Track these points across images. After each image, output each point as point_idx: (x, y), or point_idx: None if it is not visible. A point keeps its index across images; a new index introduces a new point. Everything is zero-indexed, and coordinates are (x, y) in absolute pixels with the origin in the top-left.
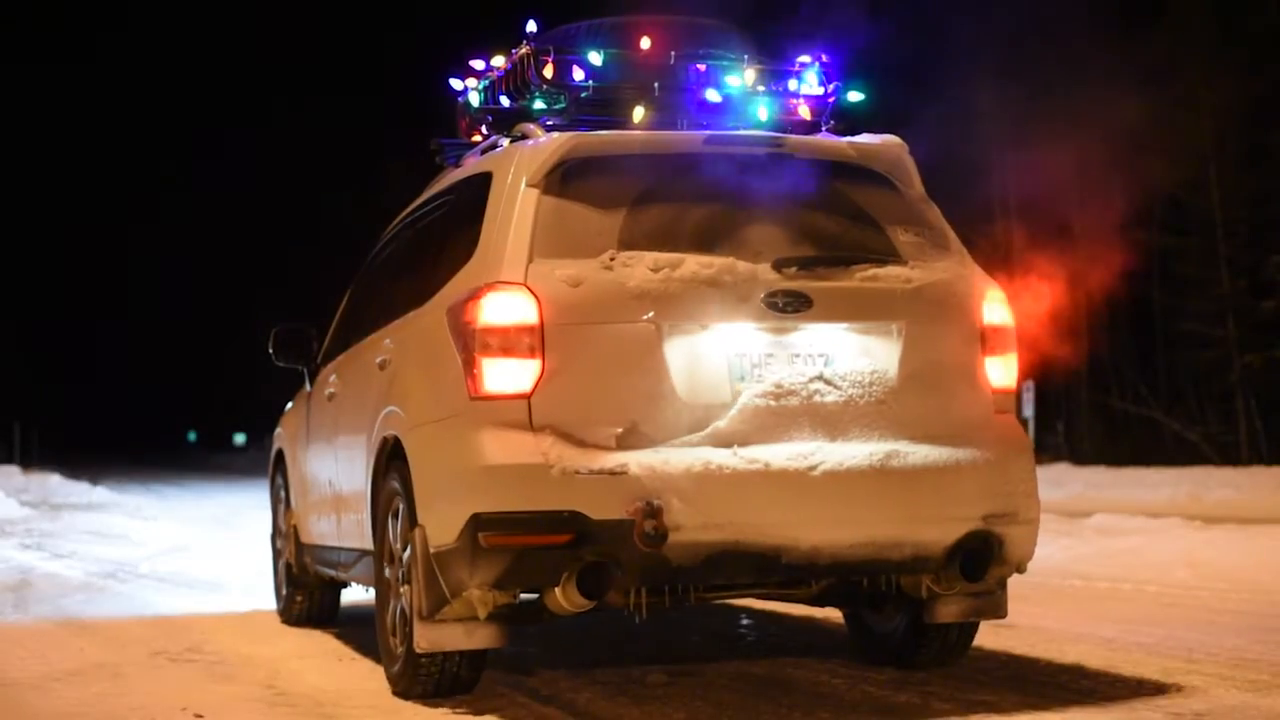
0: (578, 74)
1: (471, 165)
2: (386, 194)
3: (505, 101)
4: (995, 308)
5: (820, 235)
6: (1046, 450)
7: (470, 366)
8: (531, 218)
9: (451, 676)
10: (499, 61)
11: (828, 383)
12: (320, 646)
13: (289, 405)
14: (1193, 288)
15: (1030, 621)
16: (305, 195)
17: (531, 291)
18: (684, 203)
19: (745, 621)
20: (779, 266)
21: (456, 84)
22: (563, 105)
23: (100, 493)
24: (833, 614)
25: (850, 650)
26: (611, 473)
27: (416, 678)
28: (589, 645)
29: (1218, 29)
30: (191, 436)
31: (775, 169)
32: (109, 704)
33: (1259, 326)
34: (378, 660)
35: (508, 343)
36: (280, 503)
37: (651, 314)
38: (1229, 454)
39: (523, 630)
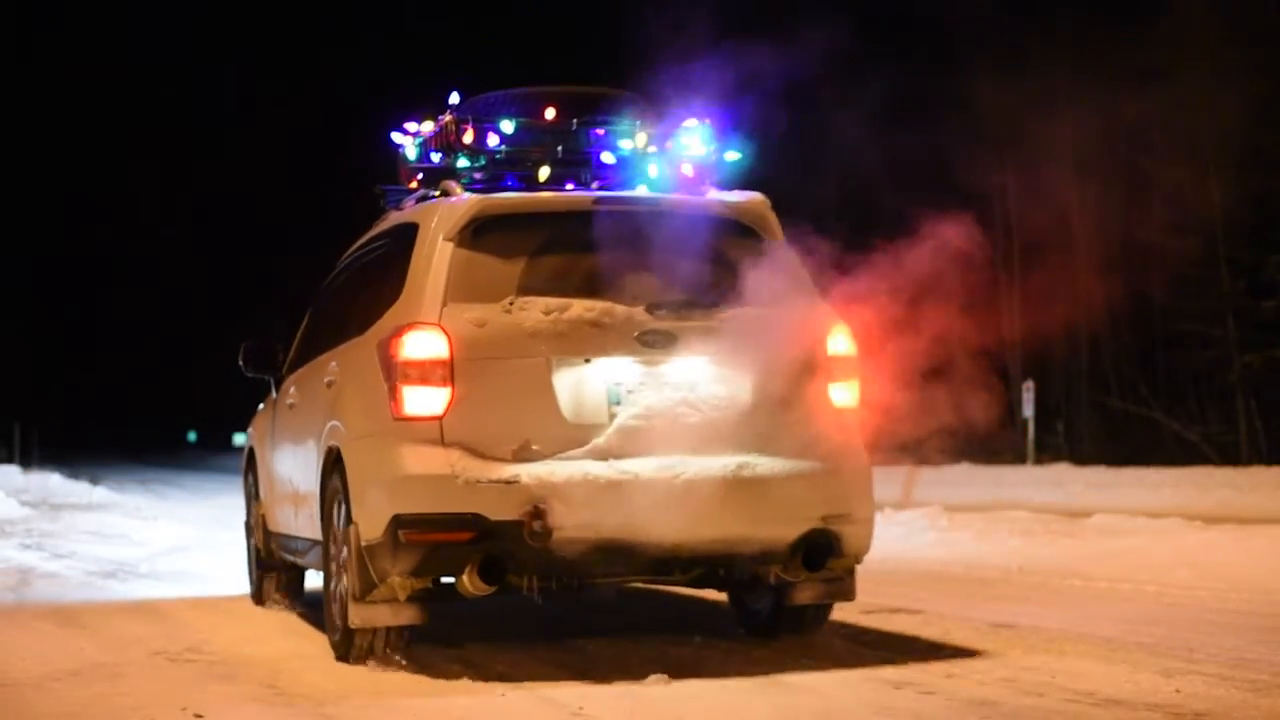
0: (493, 139)
1: (404, 214)
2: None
3: (435, 157)
4: (839, 341)
5: (690, 281)
6: (1046, 450)
7: (394, 393)
8: (446, 268)
9: (380, 646)
10: (428, 126)
11: (691, 406)
12: (320, 646)
13: (260, 408)
14: (1193, 288)
15: (1030, 621)
16: (305, 194)
17: (444, 331)
18: (574, 254)
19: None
20: (651, 309)
21: (397, 137)
22: (482, 164)
23: (100, 493)
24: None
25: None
26: (506, 482)
27: (352, 646)
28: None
29: (1218, 29)
30: (191, 436)
31: (654, 224)
32: (109, 704)
33: (1259, 326)
34: (377, 660)
35: (424, 374)
36: (251, 496)
37: (543, 350)
38: (1229, 454)
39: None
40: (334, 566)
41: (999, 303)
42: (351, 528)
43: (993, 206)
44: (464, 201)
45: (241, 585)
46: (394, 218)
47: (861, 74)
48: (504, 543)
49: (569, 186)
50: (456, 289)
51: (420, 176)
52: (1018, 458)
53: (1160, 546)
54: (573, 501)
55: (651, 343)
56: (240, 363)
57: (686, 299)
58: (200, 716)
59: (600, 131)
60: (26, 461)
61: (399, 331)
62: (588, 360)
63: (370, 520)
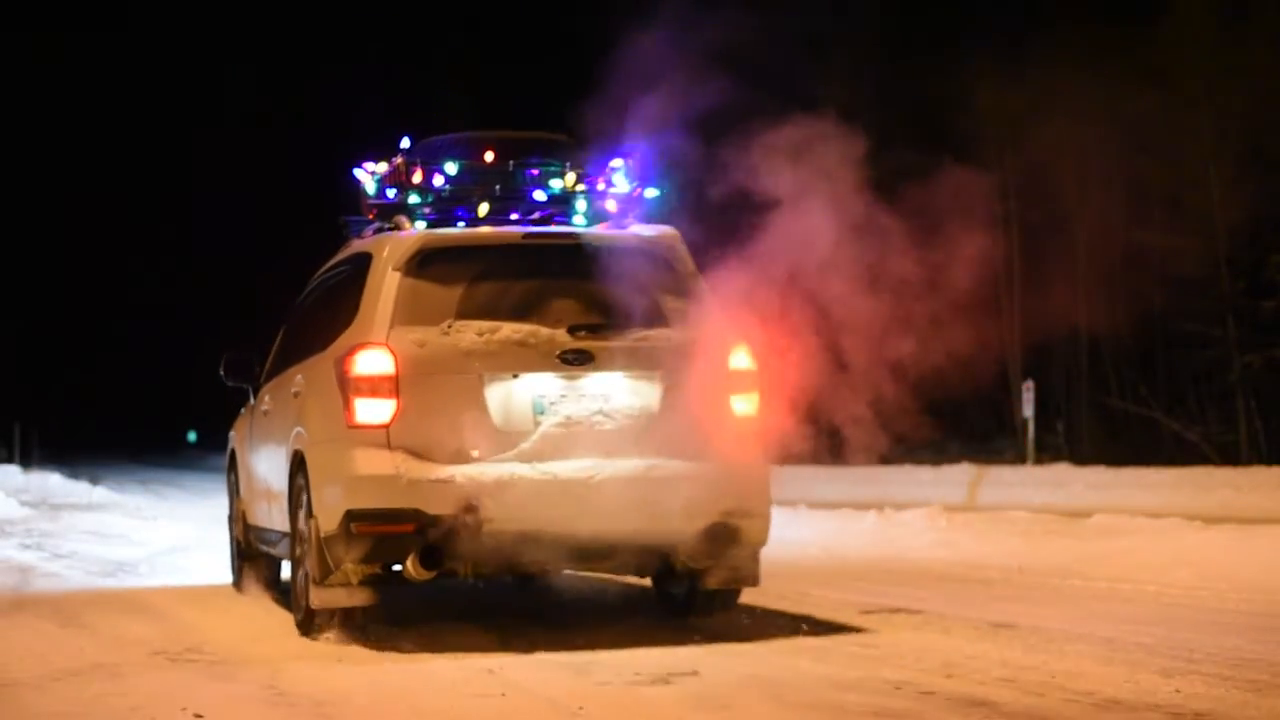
0: (439, 179)
1: (362, 244)
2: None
3: (390, 193)
4: (740, 357)
5: (607, 306)
6: (1046, 450)
7: (347, 404)
8: (394, 294)
9: (338, 624)
10: (383, 166)
11: (606, 415)
12: (320, 647)
13: (241, 412)
14: (1193, 288)
15: (1030, 621)
16: (305, 195)
17: (391, 351)
18: (505, 282)
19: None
20: (572, 331)
21: (358, 173)
22: (430, 200)
23: (100, 493)
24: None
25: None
26: (443, 481)
27: (313, 624)
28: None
29: (1218, 29)
30: (191, 437)
31: (576, 256)
32: (109, 704)
33: (1259, 326)
34: (375, 661)
35: (373, 387)
36: (233, 492)
37: (476, 367)
38: (1229, 454)
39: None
40: (299, 555)
41: (997, 304)
42: (312, 521)
43: (991, 206)
44: (411, 236)
45: (247, 591)
46: (354, 246)
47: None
48: (441, 534)
49: (514, 217)
50: (402, 313)
51: (376, 210)
52: (1018, 458)
53: (1160, 546)
54: (501, 498)
55: (571, 360)
56: (221, 373)
57: (603, 322)
58: (200, 716)
59: (534, 172)
60: (26, 461)
61: (352, 350)
62: (515, 376)
63: (327, 514)
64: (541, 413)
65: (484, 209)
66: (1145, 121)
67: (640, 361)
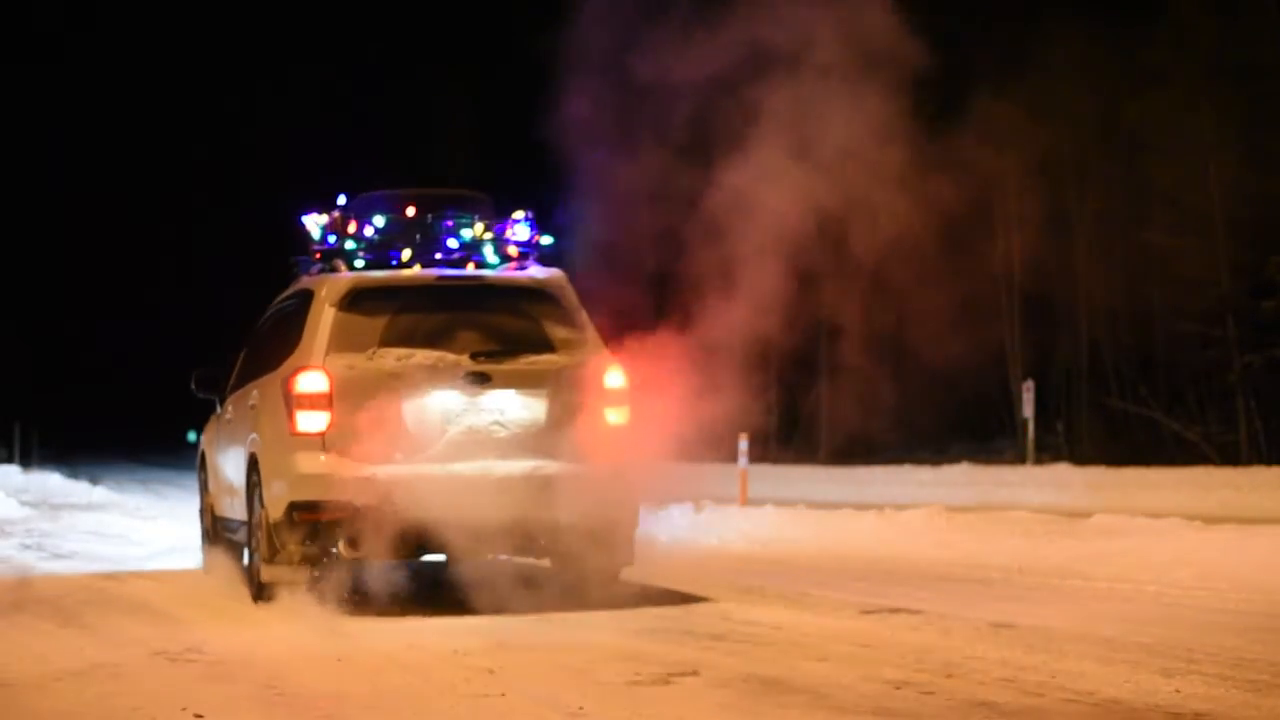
0: (369, 230)
1: (308, 281)
2: None
3: (332, 239)
4: (613, 377)
5: (505, 336)
6: (1046, 450)
7: (291, 416)
8: (330, 326)
9: (283, 595)
10: (323, 219)
11: (501, 425)
12: (319, 647)
13: (210, 420)
14: (1193, 288)
15: (1030, 621)
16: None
17: (327, 373)
18: (420, 316)
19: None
20: (474, 357)
21: (306, 220)
22: (363, 246)
23: (100, 493)
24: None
25: None
26: (367, 478)
27: (263, 594)
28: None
29: (1217, 29)
30: (191, 436)
31: (480, 294)
32: (109, 704)
33: (1259, 326)
34: (375, 661)
35: (312, 403)
36: (203, 488)
37: (396, 386)
38: (1229, 454)
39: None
40: (252, 539)
41: (995, 304)
42: (263, 510)
43: (991, 207)
44: (345, 277)
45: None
46: (303, 282)
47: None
48: (366, 521)
49: (438, 256)
50: (336, 342)
51: (320, 253)
52: (1018, 458)
53: (1160, 546)
54: (414, 492)
55: (473, 381)
56: (192, 386)
57: (500, 349)
58: (200, 716)
59: (449, 223)
60: (26, 461)
61: (295, 372)
62: (427, 393)
63: (275, 505)
64: (448, 423)
65: (407, 254)
66: (1145, 121)
67: (530, 381)
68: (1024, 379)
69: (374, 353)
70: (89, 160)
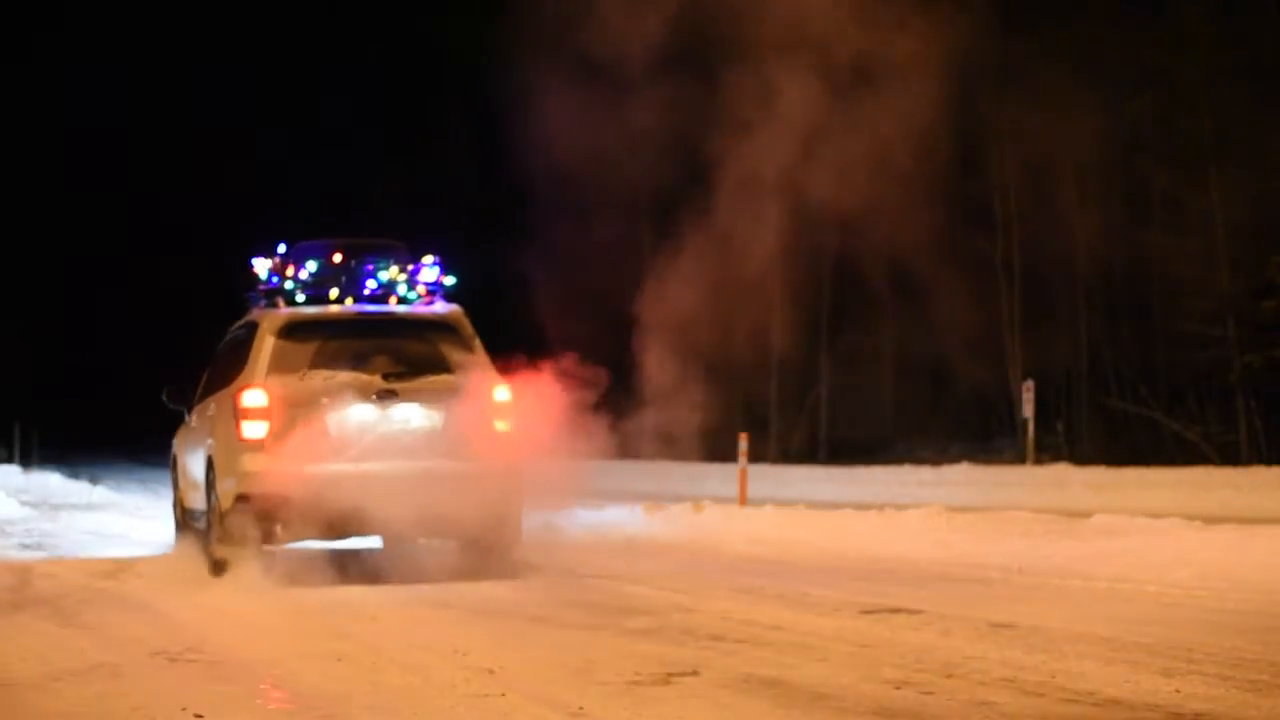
0: (304, 273)
1: (256, 314)
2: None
3: (275, 279)
4: (501, 393)
5: (412, 359)
6: (1046, 450)
7: (238, 425)
8: (270, 352)
9: (233, 569)
10: (267, 262)
11: (406, 432)
12: (319, 647)
13: (180, 427)
14: (1193, 288)
15: (1030, 621)
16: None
17: (267, 391)
18: (343, 343)
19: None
20: (385, 377)
21: (255, 263)
22: (301, 286)
23: (100, 493)
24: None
25: None
26: (298, 475)
27: (217, 569)
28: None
29: (1217, 30)
30: None
31: (392, 326)
32: (109, 704)
33: (1259, 326)
34: (375, 661)
35: (255, 415)
36: (175, 485)
37: (322, 401)
38: (1229, 454)
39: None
40: (209, 526)
41: (993, 304)
42: (216, 501)
43: (991, 207)
44: (283, 313)
45: (247, 591)
46: (253, 313)
47: None
48: (297, 511)
49: (362, 294)
50: (275, 365)
51: (266, 291)
52: (1018, 458)
53: (1160, 546)
54: (334, 489)
55: (384, 396)
56: (164, 399)
57: (406, 370)
58: (200, 716)
59: (370, 267)
60: (26, 461)
61: (241, 389)
62: (347, 407)
63: (225, 497)
64: (364, 431)
65: (334, 293)
66: (1145, 121)
67: (430, 397)
68: (1024, 379)
69: (305, 374)
70: (89, 161)
